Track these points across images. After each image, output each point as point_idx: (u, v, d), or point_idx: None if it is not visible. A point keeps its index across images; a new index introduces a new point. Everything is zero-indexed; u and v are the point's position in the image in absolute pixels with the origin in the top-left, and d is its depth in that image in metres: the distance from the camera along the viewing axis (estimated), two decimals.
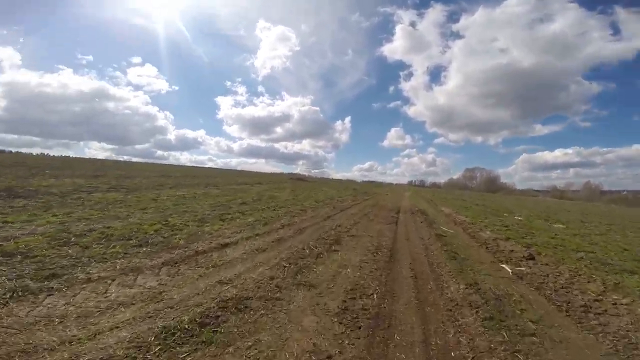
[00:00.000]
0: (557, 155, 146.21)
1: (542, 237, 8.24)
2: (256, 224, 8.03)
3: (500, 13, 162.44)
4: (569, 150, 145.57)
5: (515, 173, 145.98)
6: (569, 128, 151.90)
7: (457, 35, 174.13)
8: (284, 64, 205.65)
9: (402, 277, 4.63)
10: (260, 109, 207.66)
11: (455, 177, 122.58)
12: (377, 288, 4.08)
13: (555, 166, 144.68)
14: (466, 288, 4.08)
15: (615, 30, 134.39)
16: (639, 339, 2.92)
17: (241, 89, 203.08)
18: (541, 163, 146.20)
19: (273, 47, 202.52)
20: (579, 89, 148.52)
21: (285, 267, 4.86)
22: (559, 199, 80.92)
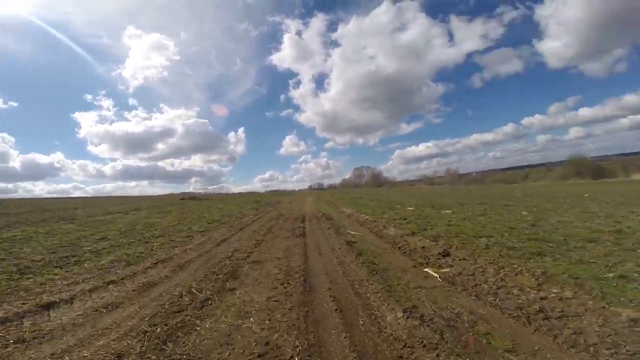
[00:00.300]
0: (421, 149, 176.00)
1: (440, 226, 8.53)
2: (114, 266, 5.80)
3: (369, 22, 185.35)
4: (429, 144, 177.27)
5: (393, 167, 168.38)
6: (426, 124, 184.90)
7: (336, 44, 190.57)
8: (161, 74, 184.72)
9: (325, 313, 3.52)
10: (135, 124, 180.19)
11: (347, 177, 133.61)
12: (298, 344, 2.85)
13: (422, 158, 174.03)
14: (406, 316, 3.23)
15: (450, 36, 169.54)
16: (631, 345, 2.49)
17: (107, 103, 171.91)
18: (411, 156, 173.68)
19: (146, 56, 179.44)
20: (429, 90, 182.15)
21: (146, 332, 3.20)
22: (430, 185, 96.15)
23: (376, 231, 9.03)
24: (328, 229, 10.04)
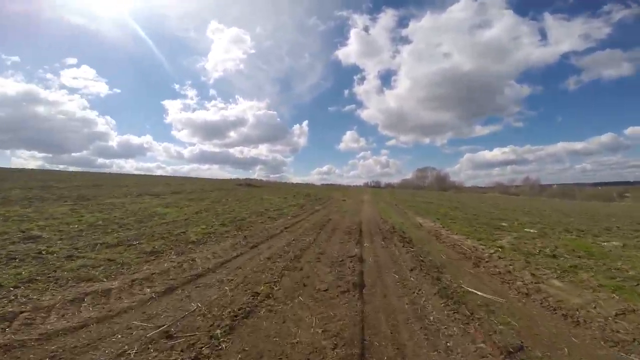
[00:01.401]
0: (495, 154, 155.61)
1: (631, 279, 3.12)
2: None
3: (445, 18, 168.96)
4: (506, 149, 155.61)
5: (460, 171, 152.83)
6: (504, 128, 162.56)
7: (406, 40, 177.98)
8: (238, 67, 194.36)
9: None
10: (212, 113, 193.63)
11: (407, 177, 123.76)
12: None
13: (495, 164, 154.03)
14: None
15: (543, 35, 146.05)
16: None
17: (191, 92, 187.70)
18: (482, 161, 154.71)
19: (226, 49, 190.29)
20: (512, 91, 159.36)
21: None
22: (506, 195, 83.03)
23: (525, 289, 3.94)
24: (406, 257, 5.21)
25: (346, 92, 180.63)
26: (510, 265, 5.31)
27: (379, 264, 5.32)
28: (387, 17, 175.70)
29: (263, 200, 17.23)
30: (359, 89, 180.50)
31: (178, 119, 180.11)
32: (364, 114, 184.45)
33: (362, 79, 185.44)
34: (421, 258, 5.65)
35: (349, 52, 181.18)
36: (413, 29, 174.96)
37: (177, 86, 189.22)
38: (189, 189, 23.41)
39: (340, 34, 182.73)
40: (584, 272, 4.86)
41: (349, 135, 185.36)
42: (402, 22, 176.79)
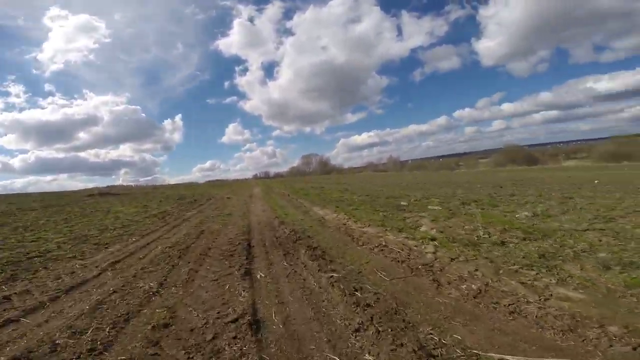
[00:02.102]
0: (364, 137, 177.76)
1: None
2: None
3: (326, 12, 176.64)
4: (371, 133, 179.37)
5: (338, 155, 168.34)
6: (369, 115, 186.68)
7: (290, 32, 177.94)
8: (86, 58, 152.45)
9: None
10: (50, 111, 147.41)
11: (295, 164, 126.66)
12: None
13: (364, 146, 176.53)
14: None
15: (399, 31, 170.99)
16: None
17: (16, 89, 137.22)
18: (354, 145, 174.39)
19: (70, 38, 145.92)
20: (374, 82, 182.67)
21: None
22: (378, 172, 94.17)
23: (568, 327, 1.92)
24: (356, 330, 2.63)
25: (227, 83, 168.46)
26: (478, 272, 3.50)
27: (294, 330, 2.63)
28: (275, 8, 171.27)
29: (108, 215, 11.96)
30: (242, 80, 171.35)
31: None
32: (247, 106, 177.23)
33: (245, 70, 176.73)
34: (355, 290, 3.26)
35: (231, 42, 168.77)
36: (297, 21, 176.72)
37: None
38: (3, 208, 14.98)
39: (222, 24, 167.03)
40: (569, 264, 3.45)
41: (232, 127, 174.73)
42: (288, 14, 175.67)
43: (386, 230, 6.39)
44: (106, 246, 6.28)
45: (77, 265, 4.93)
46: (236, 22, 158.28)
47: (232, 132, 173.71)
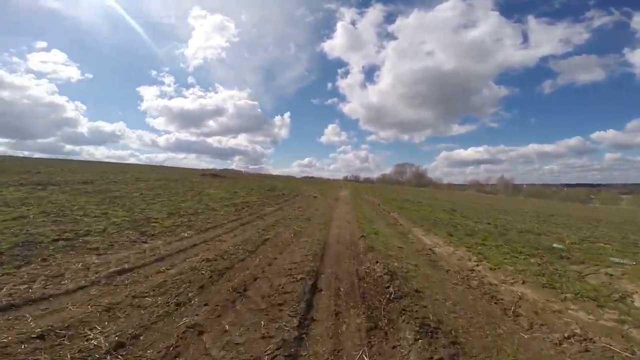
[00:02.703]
0: (470, 152, 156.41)
1: None
2: None
3: (432, 17, 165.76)
4: (480, 148, 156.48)
5: (436, 168, 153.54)
6: (480, 128, 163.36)
7: (392, 37, 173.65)
8: (219, 55, 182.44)
9: None
10: (191, 101, 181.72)
11: (386, 172, 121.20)
12: None
13: (469, 162, 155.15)
14: None
15: (525, 38, 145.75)
16: None
17: (168, 79, 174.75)
18: (458, 160, 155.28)
19: (208, 36, 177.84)
20: (489, 92, 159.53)
21: None
22: (484, 194, 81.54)
23: None
24: None
25: (329, 85, 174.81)
26: None
27: None
28: (376, 11, 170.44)
29: (196, 197, 11.78)
30: (342, 83, 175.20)
31: (154, 106, 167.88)
32: (346, 108, 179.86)
33: (346, 72, 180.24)
34: None
35: (335, 45, 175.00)
36: (399, 25, 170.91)
37: (154, 72, 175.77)
38: (145, 177, 17.46)
39: (327, 26, 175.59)
40: None
41: (330, 128, 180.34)
42: (390, 18, 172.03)
43: (564, 296, 3.31)
44: (151, 238, 5.07)
45: (63, 267, 3.63)
46: (339, 25, 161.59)
47: (330, 132, 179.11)
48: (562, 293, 3.64)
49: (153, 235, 5.29)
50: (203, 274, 3.62)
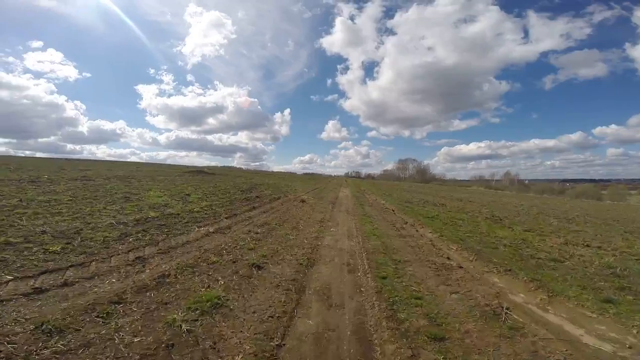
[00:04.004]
0: (471, 148, 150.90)
1: None
2: None
3: (432, 11, 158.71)
4: (481, 144, 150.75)
5: (437, 164, 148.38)
6: (481, 123, 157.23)
7: (391, 32, 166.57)
8: (218, 52, 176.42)
9: None
10: (190, 98, 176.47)
11: (388, 168, 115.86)
12: None
13: (471, 158, 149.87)
14: None
15: (525, 33, 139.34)
16: None
17: (167, 77, 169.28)
18: (459, 155, 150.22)
19: (205, 33, 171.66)
20: (491, 87, 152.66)
21: None
22: (491, 190, 76.61)
23: None
24: None
25: (329, 81, 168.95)
26: None
27: None
28: (375, 6, 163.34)
29: (124, 204, 6.80)
30: (342, 79, 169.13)
31: (153, 104, 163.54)
32: (347, 104, 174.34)
33: (346, 68, 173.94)
34: None
35: (334, 40, 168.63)
36: (399, 20, 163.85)
37: (152, 71, 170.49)
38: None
39: (325, 22, 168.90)
40: None
41: (331, 125, 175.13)
42: (389, 13, 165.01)
43: None
44: None
45: None
46: (338, 21, 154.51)
47: (331, 129, 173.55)
48: None
49: None
50: None
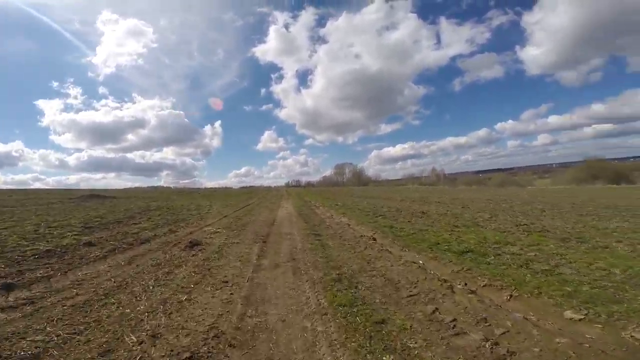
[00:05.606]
0: (397, 149, 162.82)
1: None
2: None
3: (359, 19, 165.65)
4: (406, 145, 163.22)
5: (370, 167, 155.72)
6: (405, 126, 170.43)
7: (323, 40, 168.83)
8: (136, 62, 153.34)
9: None
10: (103, 113, 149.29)
11: (327, 174, 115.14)
12: None
13: (398, 159, 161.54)
14: None
15: (438, 39, 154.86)
16: None
17: (74, 91, 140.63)
18: (387, 157, 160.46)
19: (120, 42, 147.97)
20: (410, 92, 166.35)
21: None
22: (425, 186, 79.34)
23: None
24: None
25: (263, 90, 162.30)
26: None
27: None
28: (308, 15, 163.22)
29: None
30: (277, 88, 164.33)
31: (58, 121, 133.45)
32: (282, 114, 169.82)
33: (280, 77, 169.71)
34: None
35: (268, 49, 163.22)
36: (330, 28, 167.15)
37: (55, 84, 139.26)
38: None
39: (259, 31, 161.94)
40: None
41: (267, 135, 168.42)
42: (321, 22, 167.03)
43: None
44: None
45: None
46: (272, 29, 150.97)
47: (267, 139, 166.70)
48: None
49: None
50: None
